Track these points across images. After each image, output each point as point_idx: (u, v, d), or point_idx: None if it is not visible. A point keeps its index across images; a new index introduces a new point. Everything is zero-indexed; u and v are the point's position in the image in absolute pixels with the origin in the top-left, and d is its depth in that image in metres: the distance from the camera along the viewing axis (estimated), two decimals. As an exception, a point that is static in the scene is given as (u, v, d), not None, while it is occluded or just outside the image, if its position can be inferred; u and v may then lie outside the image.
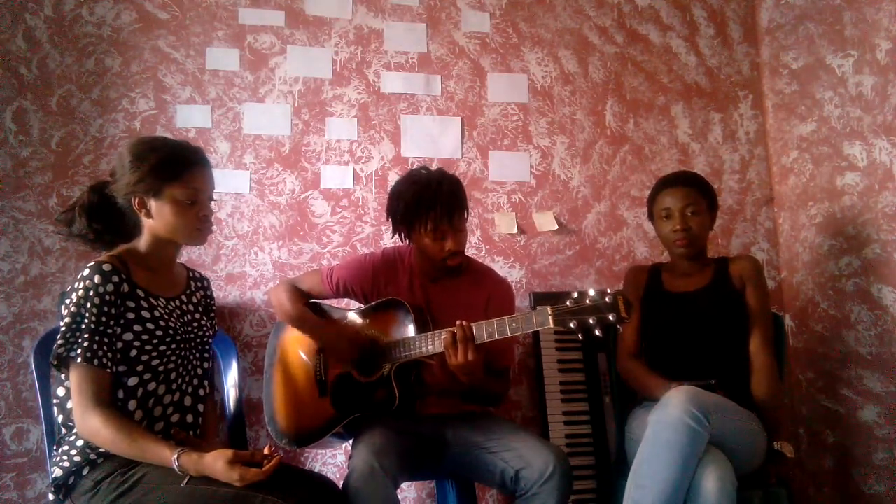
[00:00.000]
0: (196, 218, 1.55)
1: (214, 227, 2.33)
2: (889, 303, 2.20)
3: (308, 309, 1.94)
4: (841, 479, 2.38)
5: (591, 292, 1.52)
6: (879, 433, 2.23)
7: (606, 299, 1.49)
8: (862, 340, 2.29)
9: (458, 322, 1.65)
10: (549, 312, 1.55)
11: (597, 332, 1.50)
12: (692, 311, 1.95)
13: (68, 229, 1.57)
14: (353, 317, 1.95)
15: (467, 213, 1.88)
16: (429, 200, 1.78)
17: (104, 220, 1.56)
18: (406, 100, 2.59)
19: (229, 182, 2.42)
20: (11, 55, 2.34)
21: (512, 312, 1.76)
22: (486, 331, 1.65)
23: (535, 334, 2.38)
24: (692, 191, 1.98)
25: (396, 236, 1.90)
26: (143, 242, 1.56)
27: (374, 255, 2.01)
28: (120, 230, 1.57)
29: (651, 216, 2.09)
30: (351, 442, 1.79)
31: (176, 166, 1.51)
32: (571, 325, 1.52)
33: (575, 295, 1.54)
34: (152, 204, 1.51)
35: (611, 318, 1.49)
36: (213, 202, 1.62)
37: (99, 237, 1.56)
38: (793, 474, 2.50)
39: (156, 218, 1.52)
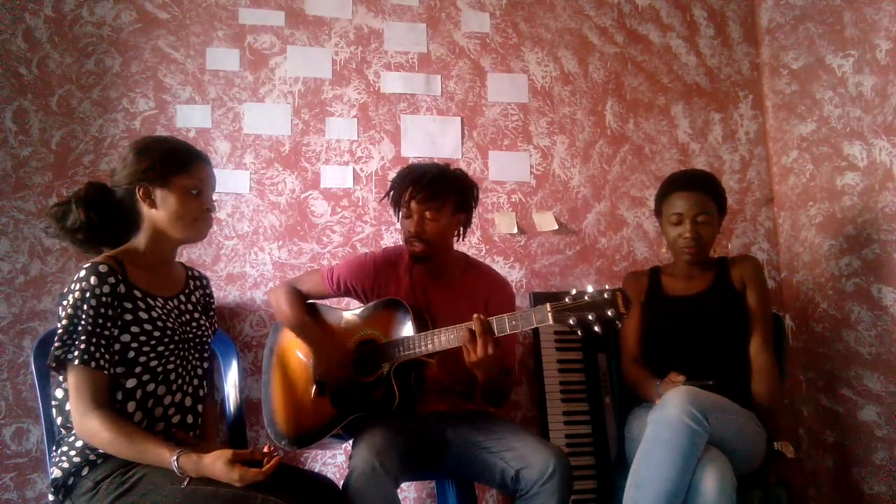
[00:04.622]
0: (199, 209, 1.57)
1: (214, 227, 2.37)
2: (889, 303, 2.20)
3: (307, 314, 1.94)
4: (841, 479, 2.38)
5: (590, 289, 1.53)
6: (879, 433, 2.23)
7: (605, 295, 1.50)
8: (862, 340, 2.29)
9: (475, 315, 1.64)
10: (548, 309, 1.55)
11: (596, 329, 1.50)
12: (694, 314, 1.95)
13: (59, 224, 1.52)
14: (352, 317, 1.94)
15: (452, 208, 1.85)
16: (405, 177, 1.86)
17: (101, 212, 1.52)
18: (406, 100, 2.59)
19: (229, 182, 2.42)
20: (11, 55, 2.34)
21: (512, 312, 1.76)
22: None
23: (536, 334, 2.39)
24: (704, 197, 1.94)
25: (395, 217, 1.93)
26: (142, 239, 1.55)
27: (375, 254, 2.01)
28: (113, 226, 1.54)
29: (658, 214, 2.06)
30: (351, 442, 1.79)
31: (185, 157, 1.56)
32: (570, 322, 1.52)
33: (573, 292, 1.55)
34: (157, 193, 1.52)
35: (609, 314, 1.49)
36: (214, 202, 1.64)
37: (90, 233, 1.53)
38: (793, 474, 2.49)
39: (160, 208, 1.52)
